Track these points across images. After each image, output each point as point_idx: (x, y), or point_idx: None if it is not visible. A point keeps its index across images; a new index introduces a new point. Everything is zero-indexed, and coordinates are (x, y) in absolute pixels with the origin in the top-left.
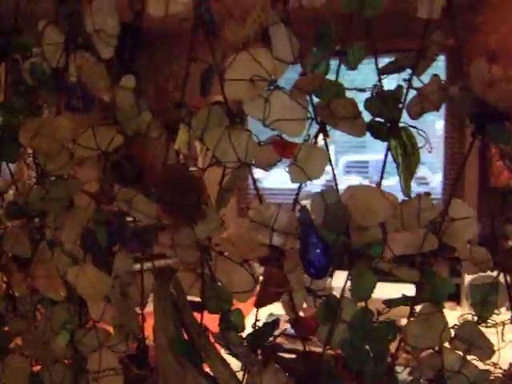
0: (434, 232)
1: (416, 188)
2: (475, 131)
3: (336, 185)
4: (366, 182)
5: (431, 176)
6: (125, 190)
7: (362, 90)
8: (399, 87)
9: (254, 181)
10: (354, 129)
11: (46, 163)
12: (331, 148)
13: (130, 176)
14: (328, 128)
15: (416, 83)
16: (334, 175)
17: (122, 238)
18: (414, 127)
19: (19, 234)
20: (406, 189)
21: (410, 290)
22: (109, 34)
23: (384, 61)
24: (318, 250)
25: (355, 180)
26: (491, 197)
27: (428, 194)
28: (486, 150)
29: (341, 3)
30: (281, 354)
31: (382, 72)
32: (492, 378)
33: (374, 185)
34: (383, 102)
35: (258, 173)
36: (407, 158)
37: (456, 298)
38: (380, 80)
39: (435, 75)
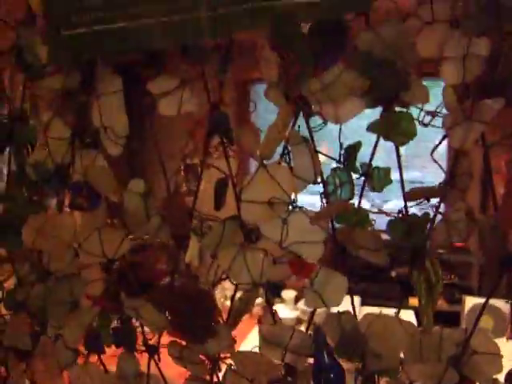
0: (455, 363)
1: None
2: (504, 267)
3: (354, 311)
4: (367, 205)
5: None
6: (132, 300)
7: (387, 214)
8: (426, 214)
9: (268, 300)
10: (375, 258)
11: (50, 263)
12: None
13: (138, 287)
14: None
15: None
16: (353, 304)
17: (128, 342)
18: None
19: (19, 325)
20: (427, 323)
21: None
22: (117, 134)
23: None
24: (332, 375)
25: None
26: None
27: (427, 214)
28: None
29: (368, 126)
30: None
31: (410, 198)
32: None
33: (375, 208)
34: (408, 227)
35: None
36: (430, 289)
37: (455, 326)
38: (406, 206)
39: (463, 201)
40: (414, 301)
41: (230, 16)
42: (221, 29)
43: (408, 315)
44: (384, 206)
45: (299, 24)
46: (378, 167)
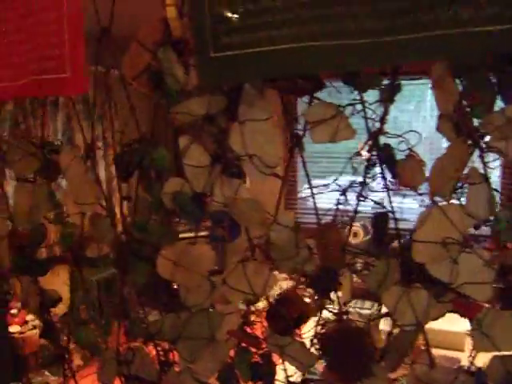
0: None
1: None
2: None
3: None
4: (415, 205)
5: None
6: (278, 337)
7: None
8: None
9: (427, 341)
10: None
11: (186, 297)
12: None
13: (288, 325)
14: None
15: None
16: None
17: (268, 379)
18: None
19: (145, 355)
20: None
21: None
22: (267, 164)
23: None
24: None
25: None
26: None
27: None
28: None
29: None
30: None
31: None
32: None
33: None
34: None
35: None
36: None
37: None
38: None
39: None
40: None
41: (407, 43)
42: (392, 56)
43: None
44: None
45: (484, 54)
46: None
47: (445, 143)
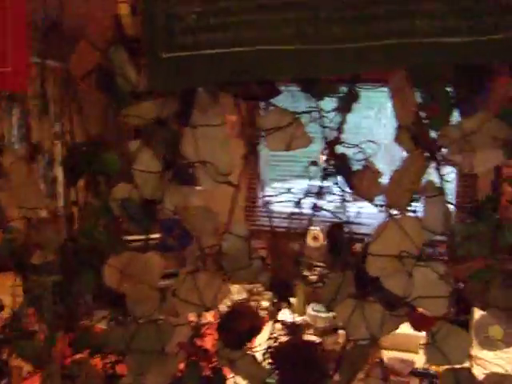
0: None
1: None
2: None
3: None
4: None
5: None
6: (229, 351)
7: None
8: None
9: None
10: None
11: (134, 307)
12: None
13: (239, 338)
14: None
15: None
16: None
17: None
18: None
19: (91, 368)
20: None
21: None
22: (219, 171)
23: None
24: None
25: None
26: None
27: None
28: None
29: None
30: None
31: None
32: None
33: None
34: None
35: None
36: None
37: None
38: None
39: None
40: None
41: (365, 51)
42: (350, 64)
43: None
44: None
45: (441, 65)
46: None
47: (404, 152)
